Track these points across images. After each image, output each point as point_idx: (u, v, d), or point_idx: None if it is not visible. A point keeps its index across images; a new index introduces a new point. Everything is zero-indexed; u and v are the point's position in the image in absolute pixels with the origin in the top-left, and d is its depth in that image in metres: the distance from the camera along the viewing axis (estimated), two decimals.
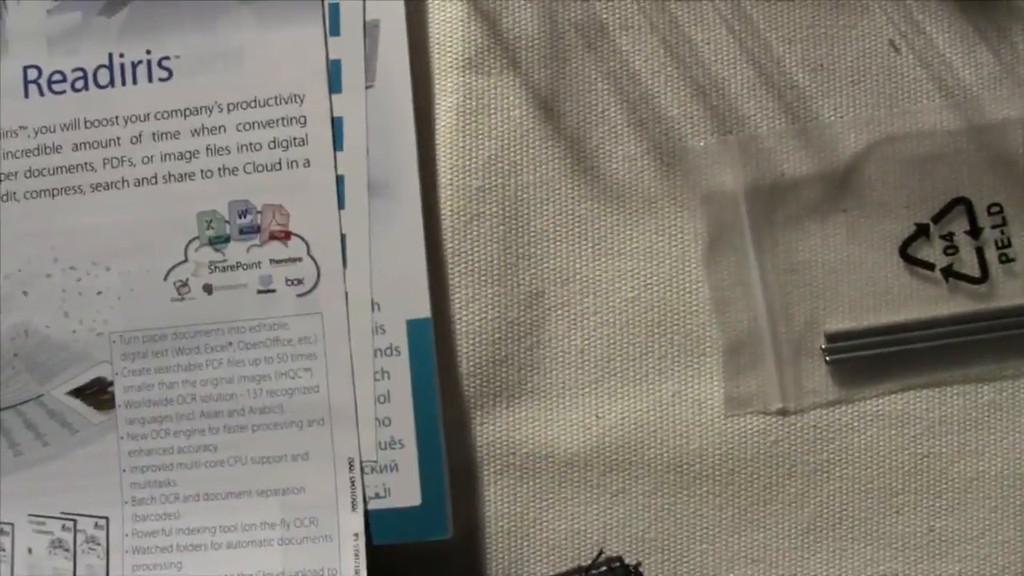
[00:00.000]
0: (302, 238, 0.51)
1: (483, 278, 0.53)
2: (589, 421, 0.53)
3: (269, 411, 0.51)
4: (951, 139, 0.53)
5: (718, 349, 0.53)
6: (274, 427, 0.51)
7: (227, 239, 0.51)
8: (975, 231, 0.53)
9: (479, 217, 0.53)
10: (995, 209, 0.53)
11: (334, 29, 0.51)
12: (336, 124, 0.51)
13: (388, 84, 0.51)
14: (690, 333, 0.53)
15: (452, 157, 0.53)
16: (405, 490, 0.50)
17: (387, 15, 0.51)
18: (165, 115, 0.52)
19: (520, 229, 0.53)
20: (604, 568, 0.49)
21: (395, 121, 0.51)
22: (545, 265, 0.53)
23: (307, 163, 0.51)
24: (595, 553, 0.51)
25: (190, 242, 0.51)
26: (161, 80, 0.52)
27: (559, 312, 0.53)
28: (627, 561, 0.50)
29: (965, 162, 0.53)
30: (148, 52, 0.52)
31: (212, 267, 0.51)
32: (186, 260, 0.51)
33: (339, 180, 0.51)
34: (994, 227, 0.53)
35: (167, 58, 0.52)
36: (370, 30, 0.51)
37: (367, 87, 0.51)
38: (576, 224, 0.53)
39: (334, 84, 0.51)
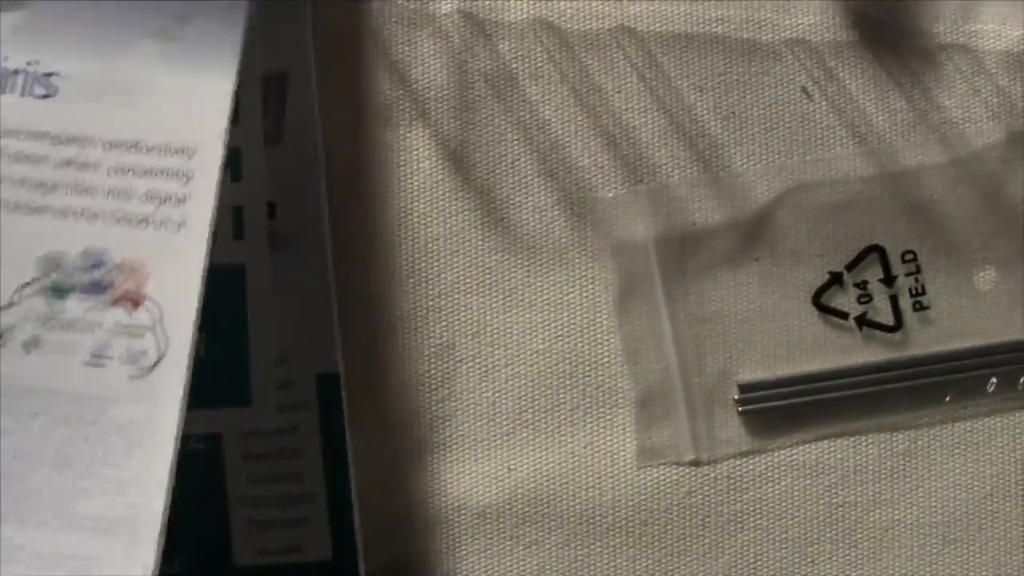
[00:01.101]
0: (156, 306, 0.46)
1: (393, 332, 0.53)
2: (501, 473, 0.53)
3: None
4: (865, 186, 0.53)
5: (630, 400, 0.53)
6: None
7: (68, 291, 0.46)
8: (889, 279, 0.53)
9: (389, 271, 0.53)
10: (909, 256, 0.53)
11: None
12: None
13: (297, 137, 0.51)
14: (602, 384, 0.53)
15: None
16: (316, 546, 0.50)
17: (296, 66, 0.51)
18: (34, 136, 0.47)
19: (430, 281, 0.53)
20: None
21: (304, 175, 0.51)
22: (455, 317, 0.53)
23: (181, 224, 0.46)
24: None
25: (23, 286, 0.46)
26: (39, 97, 0.47)
27: (470, 364, 0.53)
28: None
29: (879, 209, 0.53)
30: (31, 63, 0.47)
31: (42, 321, 0.45)
32: (11, 305, 0.45)
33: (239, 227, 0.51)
34: (908, 275, 0.53)
35: (53, 74, 0.47)
36: (276, 83, 0.51)
37: (276, 140, 0.51)
38: (486, 276, 0.53)
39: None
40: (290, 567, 0.51)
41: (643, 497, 0.53)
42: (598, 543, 0.52)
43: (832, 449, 0.53)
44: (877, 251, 0.53)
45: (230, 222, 0.52)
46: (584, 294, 0.53)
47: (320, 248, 0.51)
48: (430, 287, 0.53)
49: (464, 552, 0.52)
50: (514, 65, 0.53)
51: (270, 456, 0.51)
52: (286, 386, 0.51)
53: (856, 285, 0.53)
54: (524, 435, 0.53)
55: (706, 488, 0.53)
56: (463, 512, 0.53)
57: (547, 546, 0.52)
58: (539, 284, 0.53)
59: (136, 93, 0.47)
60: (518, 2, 0.53)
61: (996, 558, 0.53)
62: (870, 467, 0.53)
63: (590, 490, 0.53)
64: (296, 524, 0.51)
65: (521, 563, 0.52)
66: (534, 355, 0.53)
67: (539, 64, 0.53)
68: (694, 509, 0.53)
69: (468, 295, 0.53)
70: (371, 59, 0.53)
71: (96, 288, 0.46)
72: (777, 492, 0.53)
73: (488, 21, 0.52)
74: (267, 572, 0.50)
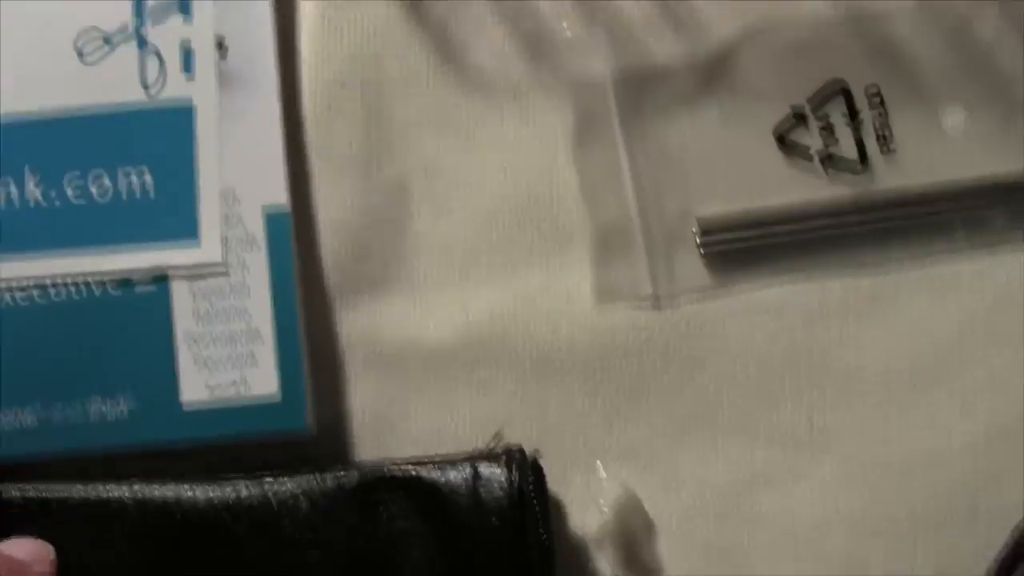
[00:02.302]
0: None
1: (345, 170, 0.52)
2: (456, 313, 0.52)
3: None
4: (830, 27, 0.52)
5: (587, 240, 0.52)
6: None
7: None
8: (854, 116, 0.52)
9: (341, 109, 0.52)
10: (874, 94, 0.52)
11: None
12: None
13: None
14: (558, 224, 0.52)
15: (314, 49, 0.52)
16: (262, 382, 0.50)
17: None
18: None
19: (384, 120, 0.52)
20: (501, 454, 0.49)
21: (254, 12, 0.51)
22: (409, 157, 0.52)
23: None
24: (490, 437, 0.50)
25: None
26: None
27: (424, 205, 0.52)
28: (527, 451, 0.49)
29: (845, 49, 0.52)
30: None
31: None
32: None
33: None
34: (874, 111, 0.52)
35: None
36: None
37: None
38: (441, 116, 0.52)
39: None
40: (237, 404, 0.50)
41: (600, 338, 0.52)
42: (554, 385, 0.52)
43: (796, 290, 0.52)
44: (842, 90, 0.52)
45: (180, 60, 0.51)
46: (540, 134, 0.52)
47: (269, 86, 0.51)
48: (383, 126, 0.52)
49: (416, 394, 0.52)
50: None
51: (217, 293, 0.50)
52: (234, 222, 0.50)
53: (820, 122, 0.52)
54: (479, 275, 0.52)
55: (665, 329, 0.52)
56: (417, 353, 0.52)
57: (501, 387, 0.52)
58: (495, 124, 0.52)
59: None
60: None
61: (962, 401, 0.52)
62: (835, 309, 0.52)
63: (546, 330, 0.52)
64: (243, 361, 0.50)
65: (474, 405, 0.52)
66: (489, 195, 0.52)
67: None
68: (653, 349, 0.52)
69: (422, 135, 0.52)
70: None
71: None
72: (739, 334, 0.52)
73: None
74: (214, 409, 0.50)
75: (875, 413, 0.52)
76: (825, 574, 0.51)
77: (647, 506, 0.51)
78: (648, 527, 0.51)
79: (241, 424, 0.50)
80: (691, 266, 0.52)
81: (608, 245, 0.52)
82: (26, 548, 0.46)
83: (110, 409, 0.50)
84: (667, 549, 0.51)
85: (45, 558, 0.46)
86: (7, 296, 0.50)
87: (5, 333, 0.50)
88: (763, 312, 0.52)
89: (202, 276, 0.50)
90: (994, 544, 0.51)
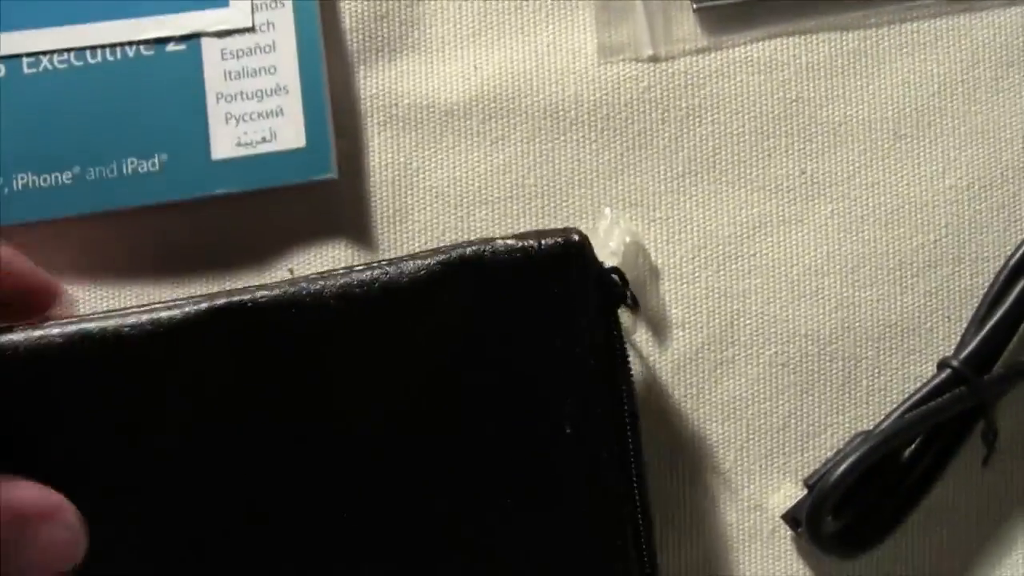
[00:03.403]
0: None
1: None
2: (468, 72, 0.55)
3: None
4: None
5: (590, 1, 0.55)
6: None
7: None
8: None
9: None
10: None
11: None
12: None
13: None
14: None
15: None
16: (290, 133, 0.53)
17: None
18: None
19: None
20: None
21: None
22: None
23: None
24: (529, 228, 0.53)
25: None
26: None
27: None
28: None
29: None
30: None
31: None
32: None
33: None
34: None
35: None
36: None
37: None
38: None
39: None
40: (265, 155, 0.53)
41: (604, 92, 0.55)
42: (562, 137, 0.55)
43: (785, 46, 0.55)
44: None
45: None
46: None
47: None
48: None
49: (433, 148, 0.55)
50: None
51: (246, 53, 0.53)
52: None
53: None
54: (489, 35, 0.55)
55: (664, 83, 0.55)
56: (432, 110, 0.55)
57: (513, 140, 0.55)
58: None
59: None
60: None
61: (944, 152, 0.55)
62: (822, 64, 0.55)
63: (553, 86, 0.55)
64: (271, 115, 0.53)
65: (489, 158, 0.55)
66: None
67: None
68: (653, 103, 0.55)
69: None
70: None
71: None
72: (733, 87, 0.55)
73: None
74: (244, 162, 0.53)
75: (862, 162, 0.55)
76: (820, 314, 0.55)
77: (652, 252, 0.55)
78: (654, 272, 0.55)
79: (270, 174, 0.53)
80: (686, 23, 0.55)
81: (610, 5, 0.55)
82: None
83: (144, 167, 0.53)
84: (672, 292, 0.55)
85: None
86: (45, 62, 0.53)
87: (44, 98, 0.53)
88: (755, 67, 0.55)
89: (230, 35, 0.53)
90: (978, 286, 0.55)
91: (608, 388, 0.49)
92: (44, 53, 0.53)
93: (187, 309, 0.48)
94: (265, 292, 0.48)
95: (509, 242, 0.49)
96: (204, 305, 0.48)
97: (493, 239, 0.49)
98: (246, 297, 0.48)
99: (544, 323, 0.49)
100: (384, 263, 0.49)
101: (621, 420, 0.49)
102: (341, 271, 0.49)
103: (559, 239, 0.49)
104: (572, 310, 0.49)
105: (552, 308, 0.49)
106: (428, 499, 0.48)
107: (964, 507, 0.54)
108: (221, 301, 0.48)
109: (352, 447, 0.48)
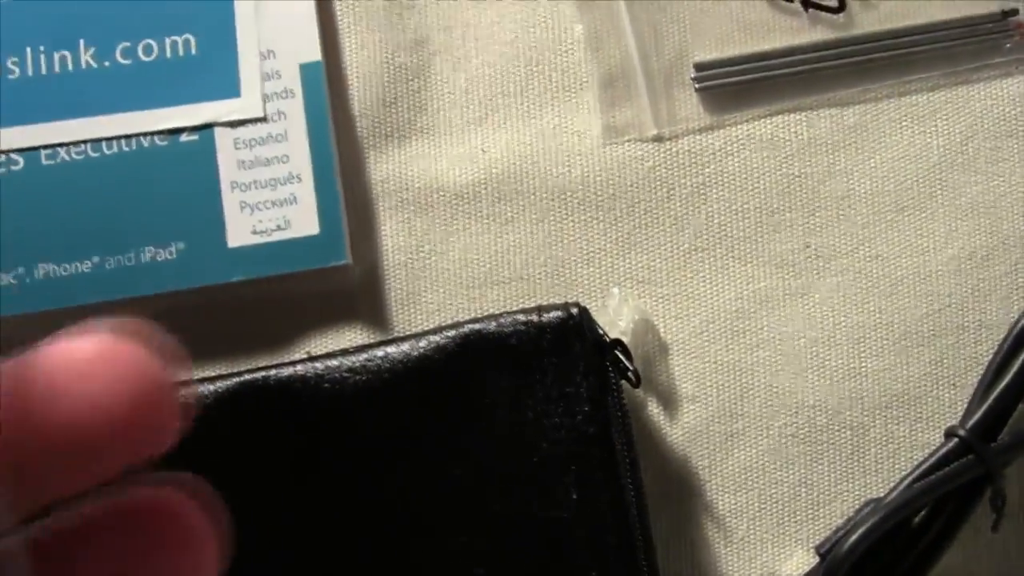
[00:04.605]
0: None
1: (371, 26, 0.57)
2: (476, 155, 0.56)
3: None
4: None
5: (594, 83, 0.56)
6: None
7: None
8: None
9: None
10: None
11: None
12: None
13: None
14: (567, 70, 0.57)
15: None
16: (304, 220, 0.54)
17: None
18: None
19: None
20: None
21: None
22: (428, 13, 0.57)
23: None
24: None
25: None
26: None
27: (443, 56, 0.57)
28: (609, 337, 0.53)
29: None
30: None
31: None
32: None
33: None
34: None
35: None
36: None
37: None
38: None
39: None
40: (280, 243, 0.54)
41: (610, 172, 0.56)
42: (570, 217, 0.56)
43: (786, 123, 0.56)
44: None
45: None
46: None
47: None
48: None
49: (444, 231, 0.56)
50: None
51: (258, 142, 0.55)
52: (272, 77, 0.55)
53: None
54: (496, 119, 0.56)
55: (669, 162, 0.56)
56: (442, 193, 0.56)
57: (522, 221, 0.56)
58: None
59: None
60: None
61: (945, 223, 0.56)
62: (823, 140, 0.56)
63: (560, 167, 0.56)
64: (285, 203, 0.54)
65: (499, 239, 0.56)
66: (503, 45, 0.57)
67: None
68: (659, 182, 0.56)
69: None
70: None
71: None
72: (736, 165, 0.56)
73: None
74: (259, 249, 0.54)
75: (865, 235, 0.56)
76: (828, 385, 0.56)
77: (661, 329, 0.56)
78: (663, 348, 0.56)
79: (286, 261, 0.54)
80: (688, 103, 0.56)
81: (613, 88, 0.56)
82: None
83: (162, 255, 0.54)
84: (681, 367, 0.56)
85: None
86: (63, 153, 0.55)
87: (63, 189, 0.54)
88: (757, 144, 0.56)
89: (243, 124, 0.54)
90: (982, 354, 0.56)
91: (610, 455, 0.50)
92: (62, 145, 0.54)
93: (214, 386, 0.50)
94: (286, 369, 0.50)
95: (513, 316, 0.51)
96: (232, 381, 0.50)
97: (498, 314, 0.51)
98: (270, 374, 0.50)
99: (547, 391, 0.50)
100: (396, 339, 0.51)
101: (622, 487, 0.50)
102: (353, 349, 0.51)
103: (559, 312, 0.51)
104: (573, 379, 0.50)
105: (554, 377, 0.50)
106: (437, 559, 0.50)
107: (976, 572, 0.55)
108: (244, 378, 0.50)
109: (363, 511, 0.50)
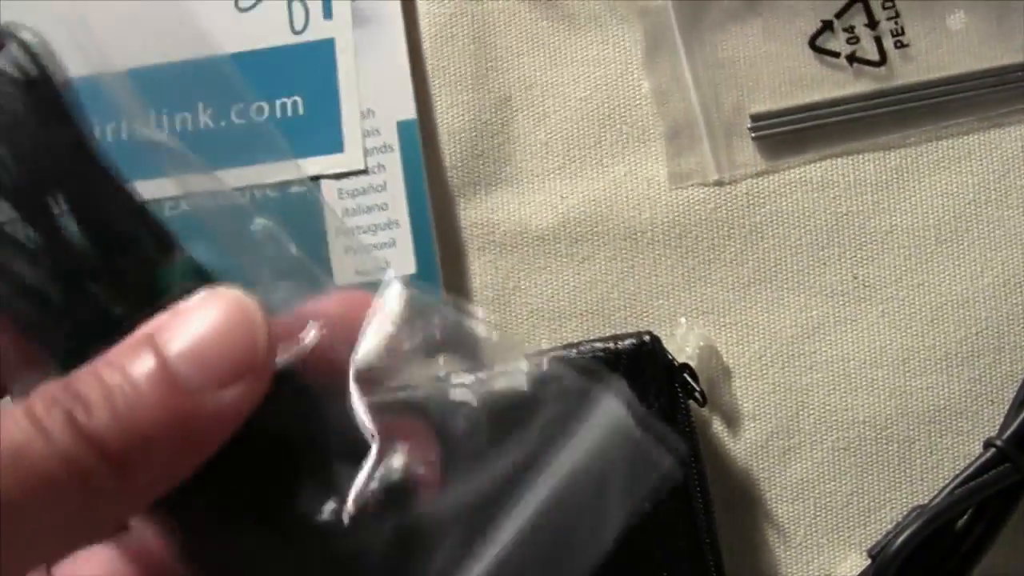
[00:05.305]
0: None
1: (459, 87, 0.63)
2: (555, 201, 0.62)
3: None
4: None
5: (661, 135, 0.62)
6: None
7: None
8: (872, 23, 0.62)
9: (454, 37, 0.63)
10: (888, 4, 0.62)
11: None
12: None
13: None
14: (636, 123, 0.63)
15: None
16: (402, 262, 0.60)
17: None
18: None
19: (488, 46, 0.63)
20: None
21: None
22: (511, 75, 0.63)
23: None
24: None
25: None
26: None
27: (525, 113, 0.63)
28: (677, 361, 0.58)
29: None
30: None
31: None
32: None
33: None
34: (889, 19, 0.62)
35: None
36: None
37: None
38: (536, 40, 0.63)
39: None
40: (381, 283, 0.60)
41: (676, 214, 0.62)
42: (641, 255, 0.62)
43: (834, 167, 0.62)
44: (862, 2, 0.62)
45: (321, 5, 0.62)
46: (617, 51, 0.63)
47: (395, 21, 0.62)
48: (488, 51, 0.63)
49: (527, 270, 0.62)
50: None
51: (360, 192, 0.61)
52: (371, 134, 0.61)
53: (845, 30, 0.62)
54: (573, 168, 0.62)
55: (729, 204, 0.62)
56: (525, 236, 0.62)
57: (598, 260, 0.62)
58: (579, 44, 0.63)
59: None
60: None
61: (982, 253, 0.61)
62: (868, 181, 0.62)
63: (631, 211, 0.62)
64: (384, 247, 0.60)
65: (576, 276, 0.62)
66: (578, 102, 0.63)
67: None
68: (720, 222, 0.62)
69: (521, 56, 0.63)
70: None
71: None
72: (789, 205, 0.62)
73: None
74: (363, 288, 0.60)
75: (908, 266, 0.61)
76: (876, 402, 0.61)
77: (723, 354, 0.61)
78: (726, 372, 0.61)
79: None
80: (746, 151, 0.62)
81: (678, 138, 0.62)
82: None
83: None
84: (742, 389, 0.61)
85: None
86: (182, 204, 0.61)
87: (184, 235, 0.60)
88: (808, 186, 0.62)
89: (347, 176, 0.61)
90: (1017, 372, 0.61)
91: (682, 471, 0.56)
92: (182, 197, 0.60)
93: None
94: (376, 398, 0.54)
95: (591, 344, 0.57)
96: None
97: (578, 343, 0.57)
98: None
99: None
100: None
101: (691, 497, 0.56)
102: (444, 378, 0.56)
103: (633, 340, 0.57)
104: (646, 400, 0.56)
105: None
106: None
107: (1014, 571, 0.60)
108: None
109: None
